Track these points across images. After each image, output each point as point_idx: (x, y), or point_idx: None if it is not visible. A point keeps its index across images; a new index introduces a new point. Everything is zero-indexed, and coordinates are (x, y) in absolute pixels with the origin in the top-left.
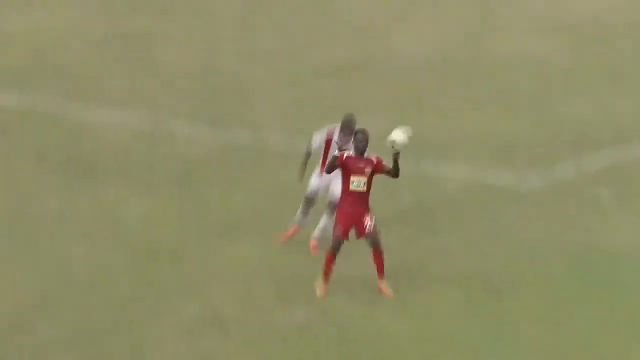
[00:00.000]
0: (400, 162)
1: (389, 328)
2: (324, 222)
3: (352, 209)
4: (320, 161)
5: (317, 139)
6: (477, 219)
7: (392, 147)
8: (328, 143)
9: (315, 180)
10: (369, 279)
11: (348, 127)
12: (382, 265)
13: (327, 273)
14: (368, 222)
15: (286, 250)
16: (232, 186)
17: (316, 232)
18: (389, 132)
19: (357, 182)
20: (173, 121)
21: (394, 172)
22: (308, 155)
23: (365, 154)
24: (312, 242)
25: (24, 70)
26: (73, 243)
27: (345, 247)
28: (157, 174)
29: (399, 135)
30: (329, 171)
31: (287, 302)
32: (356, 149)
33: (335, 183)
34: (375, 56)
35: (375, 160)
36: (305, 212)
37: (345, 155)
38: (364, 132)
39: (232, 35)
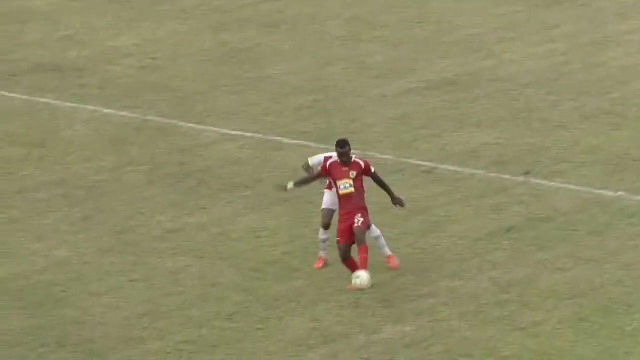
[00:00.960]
0: (509, 175)
1: (498, 343)
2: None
3: (345, 211)
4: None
5: (315, 160)
6: (588, 233)
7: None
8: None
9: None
10: (478, 294)
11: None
12: (365, 261)
13: (353, 269)
14: (358, 218)
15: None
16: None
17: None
18: (496, 145)
19: (344, 185)
20: (282, 136)
21: (386, 190)
22: (307, 170)
23: (353, 158)
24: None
25: (135, 84)
26: (183, 257)
27: (456, 263)
28: (266, 188)
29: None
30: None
31: (396, 317)
32: (339, 159)
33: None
34: (484, 70)
35: (363, 164)
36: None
37: (328, 162)
38: (342, 145)
39: (341, 50)
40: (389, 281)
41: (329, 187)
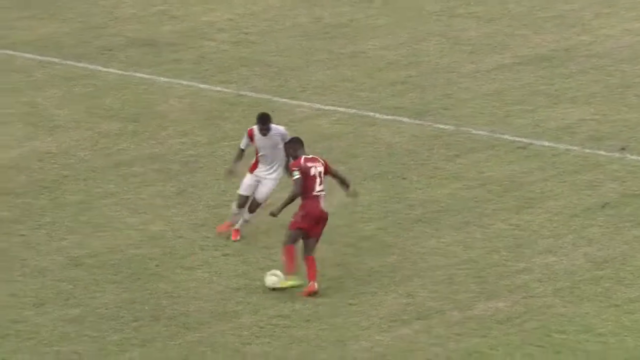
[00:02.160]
0: (605, 152)
1: (593, 320)
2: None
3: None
4: (252, 161)
5: (244, 141)
6: None
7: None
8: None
9: (248, 179)
10: (573, 270)
11: (261, 121)
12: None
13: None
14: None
15: (488, 243)
16: (434, 176)
17: (240, 222)
18: (592, 121)
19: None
20: (376, 111)
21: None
22: (240, 152)
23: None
24: (233, 230)
25: (229, 59)
26: (276, 232)
27: (551, 239)
28: (360, 164)
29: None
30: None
31: (490, 294)
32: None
33: (264, 184)
34: (580, 46)
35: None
36: (239, 211)
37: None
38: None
39: (436, 25)
40: (483, 257)
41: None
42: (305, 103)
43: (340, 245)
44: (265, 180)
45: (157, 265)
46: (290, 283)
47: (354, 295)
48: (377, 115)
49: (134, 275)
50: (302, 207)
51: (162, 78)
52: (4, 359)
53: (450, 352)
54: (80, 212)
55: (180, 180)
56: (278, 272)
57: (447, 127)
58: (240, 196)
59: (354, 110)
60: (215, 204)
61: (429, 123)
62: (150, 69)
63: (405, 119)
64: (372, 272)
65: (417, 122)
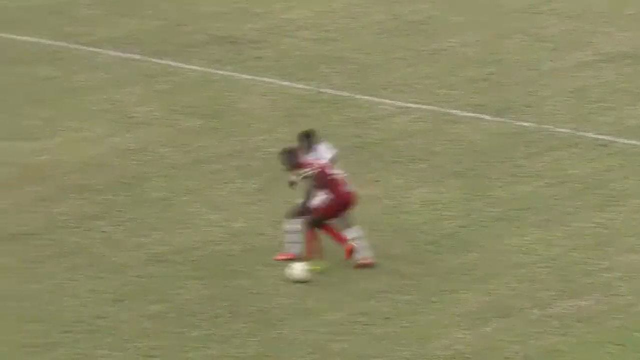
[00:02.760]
0: None
1: None
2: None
3: None
4: None
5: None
6: None
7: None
8: None
9: None
10: None
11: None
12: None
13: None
14: None
15: (569, 241)
16: (515, 174)
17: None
18: None
19: None
20: (457, 109)
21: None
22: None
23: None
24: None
25: (310, 57)
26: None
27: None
28: (440, 161)
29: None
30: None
31: (571, 292)
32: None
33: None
34: None
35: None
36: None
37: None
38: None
39: (517, 22)
40: (565, 255)
41: None
42: (386, 100)
43: (421, 243)
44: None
45: (237, 262)
46: (312, 269)
47: (435, 292)
48: (458, 112)
49: (214, 271)
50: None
51: (243, 75)
52: (86, 354)
53: (529, 350)
54: (161, 209)
55: (260, 177)
56: (297, 265)
57: (528, 124)
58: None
59: (434, 108)
60: (295, 201)
61: (510, 120)
62: (232, 66)
63: (486, 117)
64: (452, 269)
65: (498, 119)
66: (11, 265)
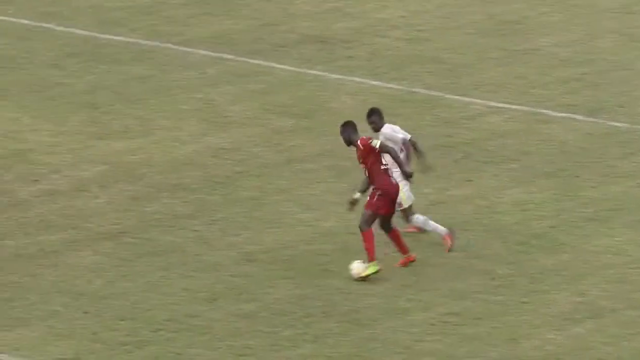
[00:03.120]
0: None
1: None
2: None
3: None
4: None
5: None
6: None
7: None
8: None
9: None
10: None
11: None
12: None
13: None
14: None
15: None
16: (608, 174)
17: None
18: None
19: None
20: (549, 109)
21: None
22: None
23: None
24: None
25: (402, 56)
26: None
27: None
28: (532, 161)
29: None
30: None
31: None
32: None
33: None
34: None
35: (360, 146)
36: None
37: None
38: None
39: (611, 22)
40: None
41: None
42: (477, 100)
43: (513, 243)
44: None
45: (329, 262)
46: (371, 270)
47: (526, 293)
48: (550, 112)
49: (306, 271)
50: (377, 185)
51: (334, 75)
52: (179, 353)
53: (622, 351)
54: (253, 208)
55: (352, 176)
56: (357, 264)
57: (621, 124)
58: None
59: (526, 108)
60: None
61: (603, 121)
62: (323, 65)
63: (579, 117)
64: (544, 270)
65: (591, 119)
66: (104, 264)
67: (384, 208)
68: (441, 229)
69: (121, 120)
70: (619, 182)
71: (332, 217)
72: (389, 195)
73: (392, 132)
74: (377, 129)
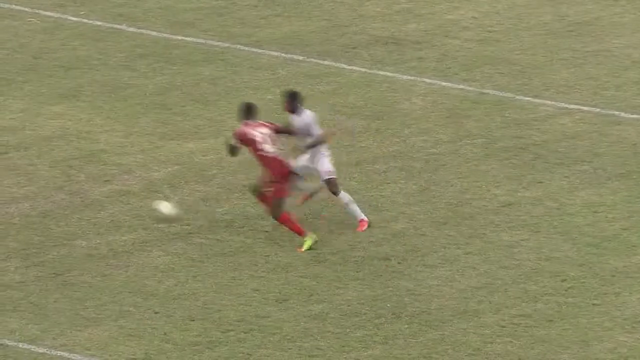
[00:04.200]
0: None
1: None
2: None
3: None
4: None
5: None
6: None
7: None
8: None
9: None
10: None
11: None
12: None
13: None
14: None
15: None
16: None
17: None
18: None
19: None
20: (621, 110)
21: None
22: None
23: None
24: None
25: (473, 57)
26: (518, 230)
27: None
28: (604, 162)
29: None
30: None
31: None
32: None
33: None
34: None
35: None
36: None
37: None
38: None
39: None
40: None
41: None
42: (548, 102)
43: (584, 245)
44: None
45: (399, 263)
46: (308, 243)
47: (598, 295)
48: (622, 114)
49: (376, 272)
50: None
51: (405, 76)
52: (249, 353)
53: None
54: (323, 209)
55: (422, 178)
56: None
57: None
58: None
59: (598, 109)
60: (457, 202)
61: None
62: (394, 66)
63: None
64: (616, 272)
65: None
66: (175, 264)
67: (283, 191)
68: (359, 212)
69: (192, 121)
70: None
71: (402, 219)
72: (282, 178)
73: (303, 122)
74: (290, 110)
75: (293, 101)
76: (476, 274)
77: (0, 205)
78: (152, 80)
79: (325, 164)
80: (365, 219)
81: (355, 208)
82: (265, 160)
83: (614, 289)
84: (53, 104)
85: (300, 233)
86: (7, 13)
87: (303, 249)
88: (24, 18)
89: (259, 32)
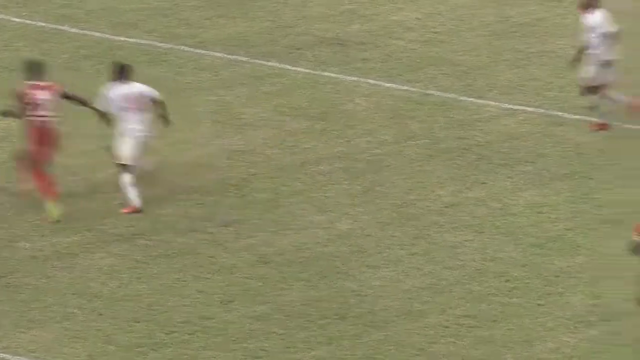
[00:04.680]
0: None
1: None
2: None
3: None
4: None
5: None
6: None
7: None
8: None
9: None
10: None
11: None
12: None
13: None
14: None
15: None
16: (622, 175)
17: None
18: None
19: None
20: (564, 111)
21: None
22: None
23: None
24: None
25: (417, 58)
26: (462, 231)
27: None
28: (548, 163)
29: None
30: None
31: None
32: None
33: None
34: None
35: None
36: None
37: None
38: None
39: (625, 24)
40: None
41: None
42: (492, 102)
43: (528, 246)
44: None
45: (343, 264)
46: (51, 214)
47: (541, 295)
48: (566, 114)
49: (320, 273)
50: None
51: (349, 77)
52: (193, 355)
53: (638, 354)
54: (268, 210)
55: (366, 178)
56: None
57: (636, 127)
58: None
59: (541, 110)
60: (401, 203)
61: (619, 123)
62: (338, 67)
63: (595, 119)
64: (559, 272)
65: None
66: (119, 266)
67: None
68: (134, 197)
69: None
70: (636, 184)
71: (347, 219)
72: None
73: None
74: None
75: (121, 72)
76: (420, 274)
77: None
78: (96, 81)
79: (127, 147)
80: (138, 206)
81: (133, 192)
82: (30, 124)
83: (558, 289)
84: None
85: (46, 195)
86: None
87: (54, 217)
88: None
89: (202, 33)
